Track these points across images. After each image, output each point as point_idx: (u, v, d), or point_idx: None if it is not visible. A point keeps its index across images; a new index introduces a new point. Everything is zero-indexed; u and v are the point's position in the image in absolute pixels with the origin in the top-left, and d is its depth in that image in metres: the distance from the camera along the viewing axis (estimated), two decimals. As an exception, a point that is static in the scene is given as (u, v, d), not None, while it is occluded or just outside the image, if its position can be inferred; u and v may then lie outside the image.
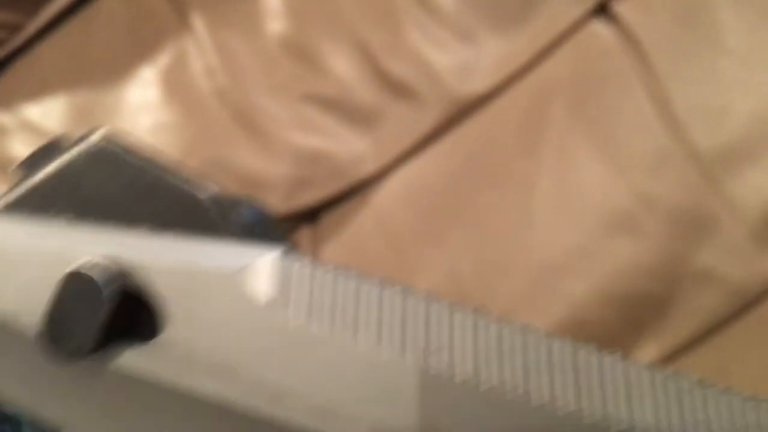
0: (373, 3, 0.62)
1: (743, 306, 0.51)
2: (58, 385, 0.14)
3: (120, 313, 0.14)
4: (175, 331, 0.14)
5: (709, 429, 0.13)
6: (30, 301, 0.14)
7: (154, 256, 0.14)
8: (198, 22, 0.66)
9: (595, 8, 0.58)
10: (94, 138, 0.15)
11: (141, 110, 0.66)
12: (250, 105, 0.63)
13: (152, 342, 0.14)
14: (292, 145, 0.62)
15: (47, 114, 0.66)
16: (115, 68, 0.67)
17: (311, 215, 0.63)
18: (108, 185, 0.15)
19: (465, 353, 0.13)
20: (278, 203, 0.60)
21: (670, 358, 0.51)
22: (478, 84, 0.60)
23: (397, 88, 0.62)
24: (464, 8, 0.60)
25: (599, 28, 0.58)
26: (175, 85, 0.66)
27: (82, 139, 0.15)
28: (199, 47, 0.65)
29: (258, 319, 0.14)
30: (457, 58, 0.61)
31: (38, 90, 0.68)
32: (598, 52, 0.57)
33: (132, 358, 0.14)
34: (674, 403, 0.13)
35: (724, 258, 0.50)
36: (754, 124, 0.52)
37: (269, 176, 0.61)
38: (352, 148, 0.62)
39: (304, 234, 0.63)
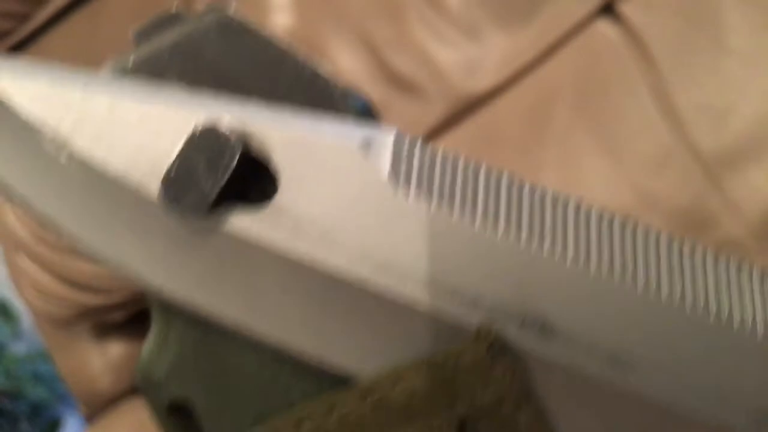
0: (380, -2, 0.62)
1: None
2: (169, 242, 0.14)
3: (237, 176, 0.14)
4: (288, 197, 0.14)
5: None
6: (147, 160, 0.14)
7: (275, 124, 0.14)
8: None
9: (601, 8, 0.58)
10: (220, 11, 0.15)
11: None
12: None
13: (265, 206, 0.14)
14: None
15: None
16: (122, 59, 0.68)
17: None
18: (230, 56, 0.15)
19: (567, 237, 0.14)
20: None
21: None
22: (483, 81, 0.60)
23: (402, 84, 0.62)
24: (470, 5, 0.60)
25: (604, 27, 0.58)
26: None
27: (206, 12, 0.15)
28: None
29: (375, 192, 0.14)
30: (462, 55, 0.61)
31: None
32: (603, 51, 0.57)
33: (244, 220, 0.14)
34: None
35: (725, 258, 0.50)
36: (758, 125, 0.52)
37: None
38: (356, 143, 0.62)
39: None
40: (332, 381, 0.14)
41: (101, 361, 0.65)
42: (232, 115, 0.14)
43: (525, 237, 0.14)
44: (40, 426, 0.94)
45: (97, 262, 0.15)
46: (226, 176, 0.14)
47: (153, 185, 0.14)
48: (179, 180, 0.14)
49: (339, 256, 0.14)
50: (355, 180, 0.14)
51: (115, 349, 0.65)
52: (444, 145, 0.62)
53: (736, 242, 0.51)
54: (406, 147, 0.15)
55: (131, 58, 0.15)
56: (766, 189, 0.51)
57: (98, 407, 0.66)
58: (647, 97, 0.55)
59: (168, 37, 0.15)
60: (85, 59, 0.70)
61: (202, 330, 0.15)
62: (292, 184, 0.15)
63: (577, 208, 0.15)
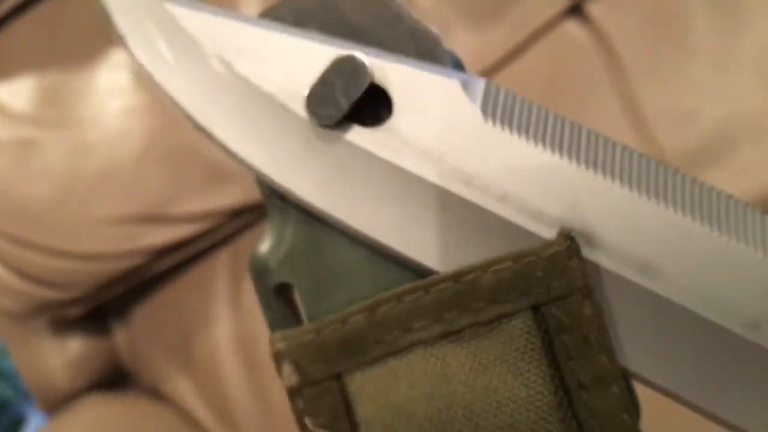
0: None
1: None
2: (300, 149, 0.18)
3: (360, 100, 0.18)
4: (401, 120, 0.18)
5: None
6: (294, 81, 0.18)
7: (394, 62, 0.18)
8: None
9: (569, 8, 0.58)
10: None
11: (111, 93, 0.65)
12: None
13: (381, 126, 0.18)
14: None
15: (15, 94, 0.65)
16: (87, 50, 0.66)
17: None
18: (360, 12, 0.19)
19: (615, 167, 0.18)
20: (243, 193, 0.60)
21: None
22: (452, 79, 0.60)
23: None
24: (440, 3, 0.60)
25: (572, 27, 0.58)
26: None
27: None
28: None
29: (470, 122, 0.18)
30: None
31: (8, 69, 0.67)
32: (570, 51, 0.57)
33: (364, 134, 0.18)
34: None
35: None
36: (721, 128, 0.52)
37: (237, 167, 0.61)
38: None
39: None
40: (423, 277, 0.18)
41: (59, 357, 0.64)
42: (363, 52, 0.18)
43: (581, 166, 0.18)
44: (3, 424, 0.92)
45: (238, 163, 0.19)
46: (358, 96, 0.18)
47: (296, 102, 0.18)
48: (320, 96, 0.18)
49: (436, 172, 0.18)
50: (456, 110, 0.18)
51: (74, 346, 0.64)
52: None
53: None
54: (494, 89, 0.19)
55: (282, 7, 0.20)
56: (727, 191, 0.51)
57: (56, 404, 0.65)
58: (613, 98, 0.55)
59: None
60: (48, 50, 0.68)
61: (313, 227, 0.19)
62: (404, 110, 0.18)
63: (624, 149, 0.18)
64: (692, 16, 0.54)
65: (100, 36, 0.69)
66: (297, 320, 0.20)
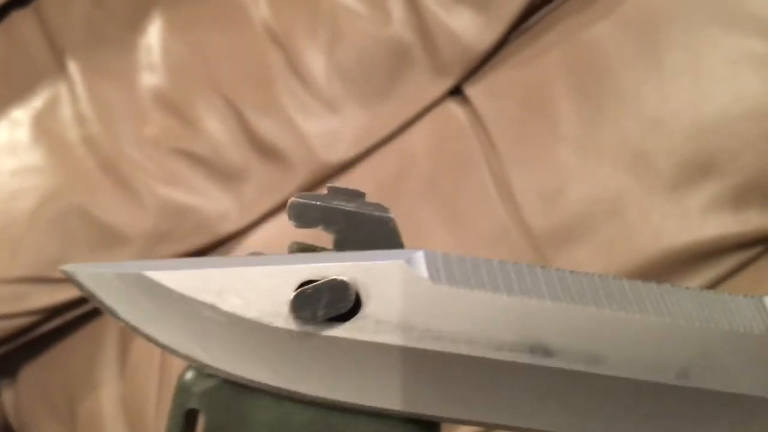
0: (250, 68, 0.64)
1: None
2: (284, 351, 0.22)
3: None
4: (370, 307, 0.22)
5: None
6: (273, 304, 0.22)
7: (358, 264, 0.22)
8: (74, 68, 0.66)
9: (452, 89, 0.62)
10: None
11: (7, 150, 0.65)
12: (119, 155, 0.63)
13: (356, 316, 0.22)
14: (157, 198, 0.63)
15: None
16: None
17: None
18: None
19: (556, 288, 0.22)
20: (135, 256, 0.61)
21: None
22: (343, 152, 0.63)
23: (266, 150, 0.64)
24: (334, 80, 0.63)
25: (454, 108, 0.62)
26: (45, 129, 0.65)
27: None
28: (72, 93, 0.66)
29: (420, 288, 0.22)
30: (325, 126, 0.64)
31: None
32: (452, 129, 0.61)
33: (344, 327, 0.22)
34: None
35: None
36: (583, 207, 0.57)
37: (130, 228, 0.62)
38: (216, 205, 0.63)
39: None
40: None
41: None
42: (336, 264, 0.22)
43: (518, 296, 0.22)
44: None
45: (235, 379, 0.22)
46: (341, 312, 0.22)
47: (279, 318, 0.22)
48: (305, 303, 0.22)
49: (412, 337, 0.22)
50: (410, 285, 0.22)
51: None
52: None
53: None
54: (431, 257, 0.22)
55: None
56: (588, 269, 0.55)
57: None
58: (488, 176, 0.59)
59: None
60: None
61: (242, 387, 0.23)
62: (371, 299, 0.22)
63: (543, 269, 0.23)
64: (558, 103, 0.59)
65: (1, 92, 0.69)
66: None
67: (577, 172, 0.57)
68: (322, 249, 0.24)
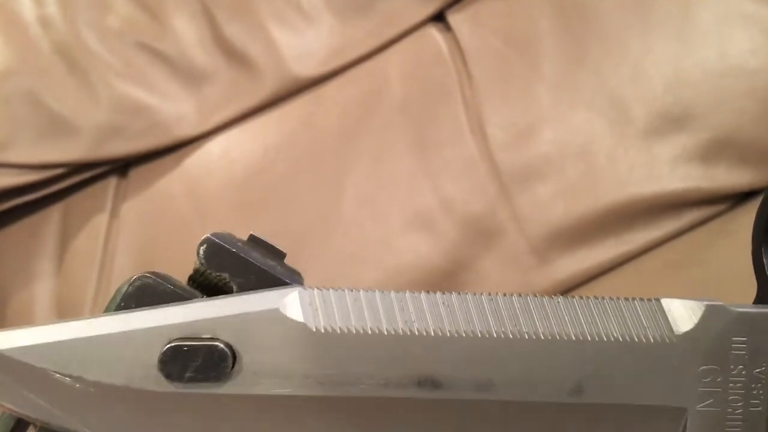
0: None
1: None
2: (156, 410, 0.21)
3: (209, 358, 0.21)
4: (246, 360, 0.21)
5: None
6: (141, 365, 0.21)
7: (228, 316, 0.21)
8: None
9: (435, 14, 0.60)
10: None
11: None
12: (76, 41, 0.59)
13: (232, 371, 0.21)
14: (113, 91, 0.59)
15: None
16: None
17: (122, 168, 0.61)
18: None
19: (435, 319, 0.22)
20: (84, 149, 0.57)
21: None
22: (314, 66, 0.60)
23: (234, 55, 0.61)
24: (313, -10, 0.60)
25: (435, 33, 0.60)
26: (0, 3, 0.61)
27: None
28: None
29: (297, 333, 0.21)
30: (299, 38, 0.61)
31: None
32: (430, 55, 0.59)
33: (221, 384, 0.21)
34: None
35: (502, 268, 0.53)
36: (552, 148, 0.55)
37: (81, 119, 0.58)
38: (175, 106, 0.60)
39: (109, 185, 0.60)
40: None
41: None
42: (205, 319, 0.21)
43: (400, 330, 0.22)
44: None
45: None
46: (210, 368, 0.21)
47: (149, 381, 0.21)
48: (174, 368, 0.21)
49: (295, 385, 0.21)
50: (287, 331, 0.21)
51: None
52: (265, 122, 0.62)
53: (517, 258, 0.54)
54: (307, 297, 0.22)
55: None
56: (550, 207, 0.54)
57: None
58: (461, 107, 0.57)
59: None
60: None
61: None
62: (246, 351, 0.21)
63: (444, 297, 0.22)
64: (541, 41, 0.57)
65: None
66: None
67: (551, 112, 0.56)
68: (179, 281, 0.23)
